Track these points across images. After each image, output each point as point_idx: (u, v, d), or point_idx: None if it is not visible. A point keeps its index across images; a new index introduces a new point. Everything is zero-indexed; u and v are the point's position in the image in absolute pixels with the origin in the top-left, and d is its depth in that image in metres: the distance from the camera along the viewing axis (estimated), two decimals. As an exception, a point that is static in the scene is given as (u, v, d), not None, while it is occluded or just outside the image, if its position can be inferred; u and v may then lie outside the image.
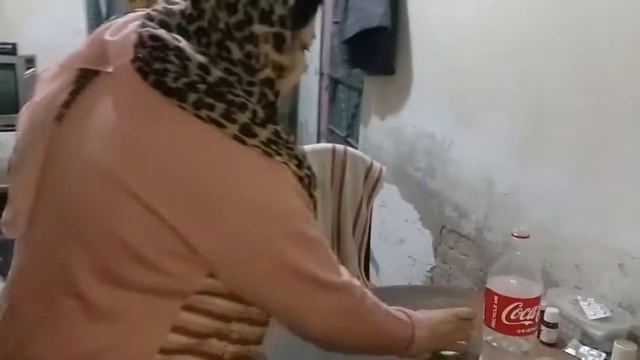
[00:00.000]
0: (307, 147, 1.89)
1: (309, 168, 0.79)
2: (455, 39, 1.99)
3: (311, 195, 0.79)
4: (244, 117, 0.70)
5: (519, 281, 1.00)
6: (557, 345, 1.22)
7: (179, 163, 0.69)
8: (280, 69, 0.77)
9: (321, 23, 3.37)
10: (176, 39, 0.73)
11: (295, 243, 0.75)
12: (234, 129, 0.69)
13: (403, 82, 2.32)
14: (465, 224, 1.95)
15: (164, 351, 0.73)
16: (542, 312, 1.22)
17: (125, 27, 0.77)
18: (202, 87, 0.70)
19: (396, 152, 2.43)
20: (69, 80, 0.79)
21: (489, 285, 1.01)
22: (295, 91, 3.85)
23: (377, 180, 1.99)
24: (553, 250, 1.54)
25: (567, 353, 1.19)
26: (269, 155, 0.71)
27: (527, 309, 0.97)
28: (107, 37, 0.77)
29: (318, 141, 3.45)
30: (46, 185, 0.79)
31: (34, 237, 0.80)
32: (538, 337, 1.23)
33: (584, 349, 1.20)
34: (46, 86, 0.80)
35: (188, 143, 0.70)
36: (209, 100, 0.69)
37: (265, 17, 0.74)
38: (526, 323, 0.98)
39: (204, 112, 0.69)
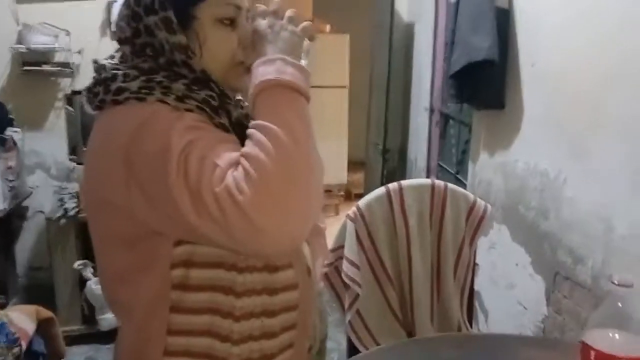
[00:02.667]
0: (405, 183, 1.86)
1: (206, 101, 0.83)
2: (567, 68, 1.85)
3: (222, 124, 0.84)
4: (115, 85, 0.82)
5: (621, 336, 0.88)
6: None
7: (99, 150, 0.84)
8: (184, 48, 0.84)
9: (432, 59, 3.33)
10: (101, 60, 0.89)
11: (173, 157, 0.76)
12: (109, 96, 0.82)
13: (513, 116, 2.20)
14: (581, 270, 1.76)
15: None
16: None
17: None
18: (92, 83, 0.86)
19: (506, 189, 2.29)
20: None
21: (585, 339, 0.90)
22: (404, 127, 3.82)
23: (482, 218, 1.89)
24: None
25: None
26: (142, 100, 0.80)
27: (629, 369, 0.85)
28: None
29: (427, 177, 3.38)
30: None
31: None
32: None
33: None
34: None
35: (94, 137, 0.85)
36: (97, 89, 0.84)
37: (149, 9, 0.84)
38: (629, 385, 0.85)
39: (95, 102, 0.84)
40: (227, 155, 0.75)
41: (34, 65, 3.10)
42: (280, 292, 0.90)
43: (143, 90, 0.80)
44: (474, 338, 1.62)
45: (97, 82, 0.85)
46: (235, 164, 0.74)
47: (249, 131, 0.77)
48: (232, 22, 0.87)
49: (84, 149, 2.86)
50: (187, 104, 0.81)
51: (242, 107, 0.92)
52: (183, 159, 0.74)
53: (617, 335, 0.88)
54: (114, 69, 0.85)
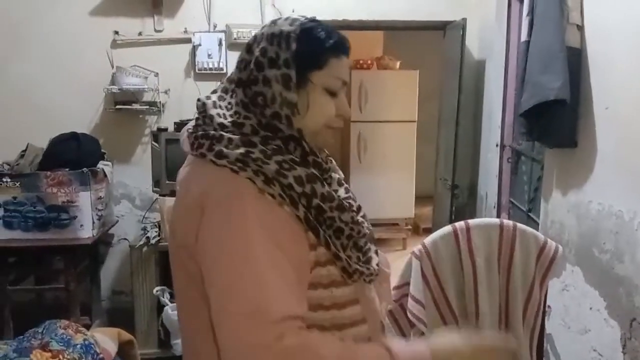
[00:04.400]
0: (473, 222, 1.87)
1: (290, 187, 0.88)
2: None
3: (299, 217, 0.89)
4: (219, 146, 0.90)
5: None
6: None
7: (184, 192, 0.94)
8: (292, 106, 0.92)
9: (503, 96, 3.32)
10: (203, 99, 0.98)
11: (238, 238, 0.85)
12: (210, 155, 0.90)
13: (586, 156, 2.16)
14: (660, 317, 1.69)
15: None
16: None
17: None
18: (200, 134, 0.93)
19: (579, 230, 2.23)
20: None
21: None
22: (474, 163, 3.80)
23: (552, 260, 1.86)
24: None
25: None
26: (235, 172, 0.87)
27: None
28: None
29: (498, 215, 3.32)
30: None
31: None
32: None
33: None
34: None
35: (189, 176, 0.95)
36: (202, 141, 0.92)
37: (273, 63, 0.92)
38: None
39: (198, 151, 0.93)
40: (289, 304, 0.83)
41: (125, 104, 3.38)
42: (349, 327, 0.96)
43: (238, 164, 0.87)
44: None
45: (204, 135, 0.92)
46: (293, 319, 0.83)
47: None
48: (334, 94, 0.98)
49: (167, 182, 3.03)
50: (272, 189, 0.88)
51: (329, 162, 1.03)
52: (257, 268, 0.83)
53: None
54: (220, 125, 0.92)
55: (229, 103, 0.96)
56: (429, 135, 4.83)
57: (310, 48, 0.94)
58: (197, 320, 0.94)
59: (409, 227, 5.36)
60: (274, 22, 0.98)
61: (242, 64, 0.97)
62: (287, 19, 0.98)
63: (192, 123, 0.99)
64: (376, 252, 1.06)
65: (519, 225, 1.87)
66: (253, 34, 1.00)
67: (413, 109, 5.14)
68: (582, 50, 2.19)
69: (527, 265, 1.85)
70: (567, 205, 2.34)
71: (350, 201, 1.02)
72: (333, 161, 1.08)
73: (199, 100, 0.98)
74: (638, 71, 1.85)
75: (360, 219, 1.01)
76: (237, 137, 0.90)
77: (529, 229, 1.89)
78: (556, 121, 2.23)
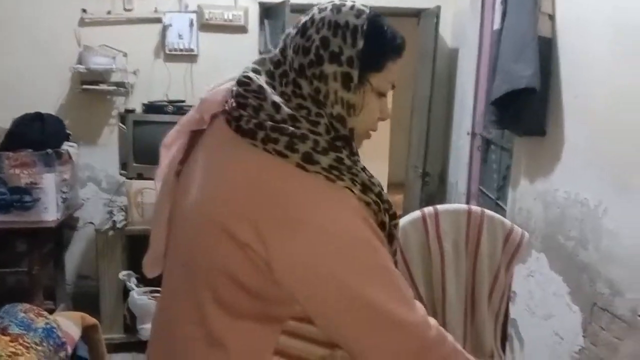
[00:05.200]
0: (441, 207, 1.88)
1: (379, 195, 0.83)
2: (610, 101, 1.84)
3: (383, 223, 0.84)
4: (305, 147, 0.79)
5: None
6: None
7: (250, 195, 0.79)
8: (349, 107, 0.85)
9: (475, 84, 3.34)
10: (259, 79, 0.86)
11: (360, 274, 0.78)
12: (296, 157, 0.78)
13: (554, 144, 2.19)
14: (620, 303, 1.73)
15: None
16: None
17: (220, 86, 0.92)
18: (268, 124, 0.80)
19: (546, 218, 2.27)
20: (183, 142, 0.93)
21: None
22: (445, 151, 3.82)
23: (518, 246, 1.88)
24: None
25: None
26: (331, 180, 0.78)
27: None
28: (204, 96, 0.92)
29: (467, 202, 3.36)
30: (171, 235, 0.93)
31: (166, 278, 0.94)
32: None
33: None
34: (167, 151, 0.95)
35: (258, 176, 0.80)
36: (274, 135, 0.79)
37: (335, 58, 0.83)
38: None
39: (270, 146, 0.79)
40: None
41: (92, 84, 3.29)
42: None
43: (334, 172, 0.79)
44: (506, 366, 1.62)
45: (275, 127, 0.80)
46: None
47: None
48: (382, 95, 0.91)
49: (134, 164, 2.98)
50: (368, 197, 0.82)
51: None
52: (387, 275, 0.81)
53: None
54: (291, 118, 0.82)
55: (283, 92, 0.85)
56: (403, 124, 4.84)
57: (376, 48, 0.86)
58: (185, 306, 0.88)
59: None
60: (337, 9, 0.87)
61: (296, 48, 0.86)
62: (352, 7, 0.87)
63: (220, 96, 0.88)
64: None
65: (487, 211, 1.89)
66: (311, 12, 0.88)
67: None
68: (553, 39, 2.21)
69: (494, 251, 1.87)
70: (535, 193, 2.37)
71: None
72: None
73: (247, 76, 0.86)
74: (607, 61, 1.87)
75: None
76: (321, 139, 0.81)
77: (497, 215, 1.91)
78: (526, 109, 2.25)
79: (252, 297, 0.82)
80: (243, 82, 0.86)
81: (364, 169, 0.85)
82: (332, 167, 0.79)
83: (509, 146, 2.81)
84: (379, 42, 0.86)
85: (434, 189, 3.89)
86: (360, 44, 0.84)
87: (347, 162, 0.81)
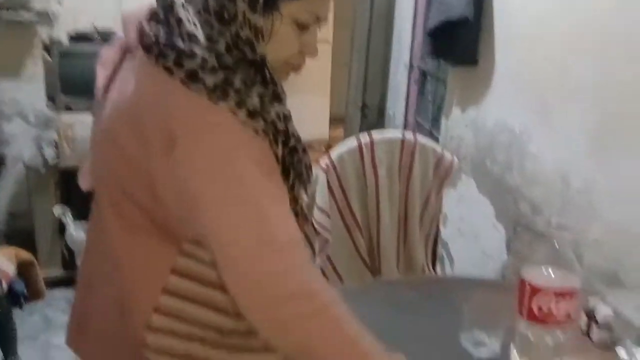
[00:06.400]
0: (377, 136, 1.92)
1: (274, 124, 0.80)
2: (538, 30, 1.91)
3: (276, 156, 0.81)
4: (191, 64, 0.76)
5: (554, 273, 0.97)
6: (609, 346, 1.15)
7: (137, 109, 0.79)
8: (257, 31, 0.81)
9: (413, 17, 3.35)
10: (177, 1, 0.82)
11: (225, 201, 0.75)
12: (180, 74, 0.76)
13: (485, 74, 2.26)
14: (539, 221, 1.87)
15: (167, 292, 0.83)
16: (593, 311, 1.17)
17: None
18: (162, 40, 0.78)
19: (476, 144, 2.37)
20: (115, 63, 0.90)
21: (523, 276, 0.99)
22: (384, 83, 3.86)
23: (448, 171, 1.97)
24: (625, 251, 1.45)
25: (618, 354, 1.13)
26: (213, 101, 0.76)
27: (559, 301, 0.94)
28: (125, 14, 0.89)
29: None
30: (93, 154, 0.93)
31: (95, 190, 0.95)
32: (589, 335, 1.18)
33: (637, 351, 1.12)
34: (103, 70, 0.92)
35: (145, 90, 0.80)
36: (165, 51, 0.78)
37: None
38: (558, 315, 0.95)
39: (160, 61, 0.78)
40: (293, 230, 0.78)
41: (10, 10, 3.05)
42: None
43: (217, 92, 0.77)
44: (433, 280, 1.73)
45: (170, 45, 0.78)
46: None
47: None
48: (304, 27, 0.85)
49: (63, 97, 2.83)
50: (256, 123, 0.78)
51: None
52: (253, 199, 0.75)
53: (550, 272, 0.97)
54: (189, 36, 0.78)
55: (199, 10, 0.81)
56: (344, 58, 4.81)
57: None
58: (98, 226, 0.90)
59: (323, 149, 5.44)
60: None
61: None
62: None
63: (142, 12, 0.83)
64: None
65: (420, 138, 1.96)
66: None
67: (327, 30, 5.05)
68: (487, -33, 2.23)
69: (426, 176, 1.96)
70: (466, 120, 2.46)
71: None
72: None
73: None
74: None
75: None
76: (212, 57, 0.78)
77: (429, 142, 1.98)
78: (459, 39, 2.29)
79: (145, 213, 0.82)
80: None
81: (276, 97, 0.83)
82: (217, 87, 0.77)
83: (444, 77, 2.87)
84: None
85: (373, 122, 3.95)
86: None
87: (238, 84, 0.78)
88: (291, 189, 0.87)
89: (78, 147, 2.78)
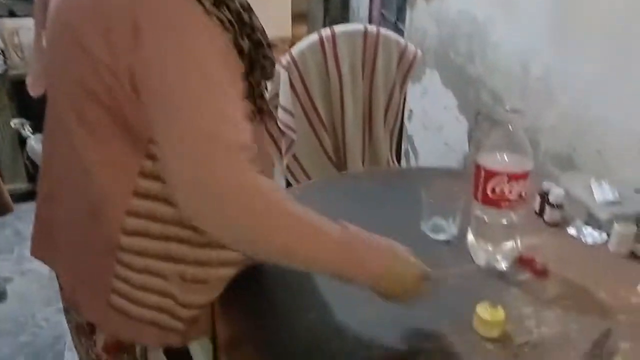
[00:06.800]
0: (338, 29, 1.87)
1: (239, 15, 0.78)
2: None
3: (241, 49, 0.79)
4: None
5: (508, 157, 1.00)
6: (560, 225, 1.23)
7: (100, 2, 0.75)
8: None
9: None
10: None
11: (187, 87, 0.73)
12: None
13: (448, -41, 2.18)
14: (499, 109, 1.90)
15: (138, 195, 0.83)
16: (547, 193, 1.23)
17: None
18: None
19: (439, 36, 2.34)
20: None
21: (477, 160, 1.03)
22: (346, -26, 3.69)
23: (412, 63, 1.95)
24: (578, 136, 1.50)
25: (568, 232, 1.21)
26: None
27: (512, 183, 0.98)
28: None
29: (368, 27, 3.35)
30: (48, 55, 0.88)
31: (47, 103, 0.91)
32: (541, 216, 1.25)
33: (587, 229, 1.20)
34: None
35: None
36: None
37: None
38: (511, 197, 0.99)
39: None
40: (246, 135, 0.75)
41: None
42: None
43: None
44: (396, 172, 1.77)
45: None
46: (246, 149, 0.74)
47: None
48: None
49: (4, 1, 2.62)
50: (221, 13, 0.75)
51: None
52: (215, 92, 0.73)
53: (504, 156, 1.01)
54: None
55: None
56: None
57: None
58: (58, 133, 0.87)
59: (287, 47, 5.29)
60: None
61: None
62: None
63: None
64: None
65: (382, 31, 1.91)
66: None
67: None
68: None
69: (389, 70, 1.94)
70: (430, 11, 2.40)
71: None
72: None
73: None
74: None
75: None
76: None
77: (392, 34, 1.94)
78: None
79: (110, 115, 0.79)
80: None
81: None
82: None
83: (408, -35, 2.75)
84: None
85: (337, 15, 3.82)
86: None
87: None
88: (257, 85, 0.85)
89: (27, 54, 2.64)
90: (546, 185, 1.26)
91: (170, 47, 0.72)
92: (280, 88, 1.83)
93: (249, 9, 0.82)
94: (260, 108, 0.88)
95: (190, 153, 0.72)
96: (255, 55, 0.83)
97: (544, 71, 1.65)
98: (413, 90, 2.46)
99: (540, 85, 1.67)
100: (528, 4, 1.72)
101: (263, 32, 0.85)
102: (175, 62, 0.72)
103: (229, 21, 0.76)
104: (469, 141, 2.12)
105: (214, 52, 0.75)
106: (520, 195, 1.00)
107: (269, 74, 0.89)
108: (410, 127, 2.56)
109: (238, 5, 0.78)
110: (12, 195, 2.37)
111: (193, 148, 0.71)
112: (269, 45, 0.87)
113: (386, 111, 1.98)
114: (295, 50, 1.84)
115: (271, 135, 1.93)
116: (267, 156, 1.00)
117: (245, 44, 0.79)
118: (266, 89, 0.98)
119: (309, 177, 1.94)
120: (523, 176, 0.99)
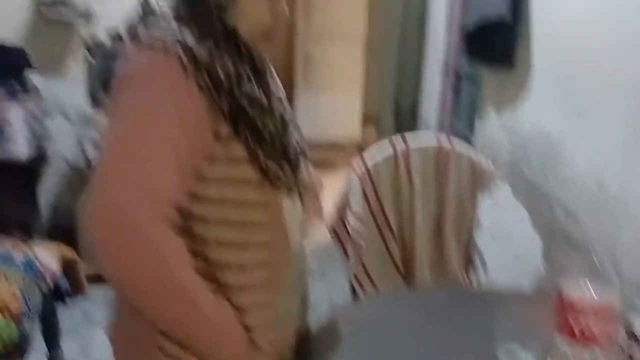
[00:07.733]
0: (413, 142, 1.92)
1: (218, 80, 0.84)
2: (575, 33, 1.88)
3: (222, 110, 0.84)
4: (148, 24, 0.88)
5: (593, 287, 0.97)
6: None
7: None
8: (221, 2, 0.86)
9: (448, 18, 3.32)
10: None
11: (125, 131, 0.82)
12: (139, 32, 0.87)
13: (521, 77, 2.23)
14: (575, 227, 1.84)
15: None
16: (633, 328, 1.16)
17: None
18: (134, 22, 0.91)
19: (511, 149, 2.35)
20: None
21: (561, 291, 0.99)
22: (417, 84, 3.84)
23: (484, 177, 1.96)
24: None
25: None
26: (161, 49, 0.82)
27: (599, 320, 0.94)
28: None
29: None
30: None
31: None
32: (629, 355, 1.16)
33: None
34: None
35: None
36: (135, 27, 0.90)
37: None
38: (598, 334, 0.95)
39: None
40: (174, 188, 0.80)
41: (52, 6, 3.13)
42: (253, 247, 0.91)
43: (169, 38, 0.82)
44: (466, 288, 1.72)
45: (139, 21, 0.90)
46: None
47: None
48: None
49: (105, 96, 2.88)
50: (200, 75, 0.82)
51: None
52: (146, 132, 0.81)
53: (588, 285, 0.97)
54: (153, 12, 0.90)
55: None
56: (377, 57, 4.77)
57: None
58: None
59: (354, 149, 5.41)
60: None
61: None
62: None
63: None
64: (306, 168, 1.02)
65: (456, 145, 1.95)
66: None
67: (360, 25, 5.02)
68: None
69: (461, 183, 1.95)
70: (501, 124, 2.44)
71: (283, 114, 0.95)
72: (274, 73, 1.00)
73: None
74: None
75: (293, 135, 0.96)
76: (170, 16, 0.87)
77: (465, 149, 1.97)
78: (496, 41, 2.27)
79: None
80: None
81: (252, 66, 0.89)
82: (167, 35, 0.83)
83: (479, 78, 2.84)
84: None
85: (406, 122, 3.93)
86: None
87: (187, 37, 0.83)
88: (245, 143, 0.86)
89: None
90: (630, 317, 1.19)
91: (130, 93, 0.83)
92: (352, 195, 1.87)
93: (242, 77, 0.87)
94: (274, 174, 0.89)
95: (96, 185, 0.79)
96: (244, 117, 0.86)
97: (621, 188, 1.61)
98: (482, 202, 2.44)
99: (617, 203, 1.62)
100: (602, 119, 1.72)
101: (257, 102, 0.88)
102: (124, 105, 0.83)
103: (207, 85, 0.82)
104: (543, 259, 2.05)
105: (170, 109, 0.81)
106: (607, 333, 0.95)
107: (276, 144, 0.90)
108: (478, 239, 2.51)
109: (231, 71, 0.84)
110: (87, 277, 2.46)
111: (99, 181, 0.79)
112: (286, 125, 0.93)
113: (456, 223, 1.97)
114: (369, 161, 1.89)
115: (339, 240, 1.95)
116: (282, 231, 0.94)
117: (225, 106, 0.83)
118: (292, 171, 0.96)
119: (374, 285, 1.92)
120: (610, 311, 0.95)
